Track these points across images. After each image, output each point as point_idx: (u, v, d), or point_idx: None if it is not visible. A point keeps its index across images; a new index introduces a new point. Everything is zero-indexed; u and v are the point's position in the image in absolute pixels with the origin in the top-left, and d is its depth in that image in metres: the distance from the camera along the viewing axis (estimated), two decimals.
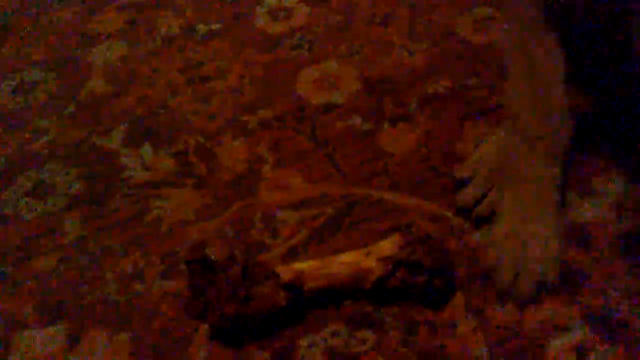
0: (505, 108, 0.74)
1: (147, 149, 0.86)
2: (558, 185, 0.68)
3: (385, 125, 0.85)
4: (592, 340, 0.60)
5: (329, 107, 0.88)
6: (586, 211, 0.71)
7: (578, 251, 0.68)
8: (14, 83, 0.99)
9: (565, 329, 0.62)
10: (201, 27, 1.05)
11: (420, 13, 1.01)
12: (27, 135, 0.90)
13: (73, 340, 0.67)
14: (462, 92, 0.87)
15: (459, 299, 0.64)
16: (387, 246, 0.62)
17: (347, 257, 0.63)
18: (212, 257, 0.61)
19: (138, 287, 0.70)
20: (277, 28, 1.02)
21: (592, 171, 0.75)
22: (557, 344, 0.60)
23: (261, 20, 1.04)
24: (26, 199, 0.82)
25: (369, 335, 0.63)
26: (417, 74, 0.91)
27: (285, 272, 0.62)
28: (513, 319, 0.63)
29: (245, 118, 0.88)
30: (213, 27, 1.04)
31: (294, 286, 0.61)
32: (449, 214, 0.72)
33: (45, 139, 0.90)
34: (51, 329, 0.68)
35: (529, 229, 0.65)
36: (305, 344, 0.63)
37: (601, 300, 0.63)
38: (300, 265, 0.63)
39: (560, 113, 0.68)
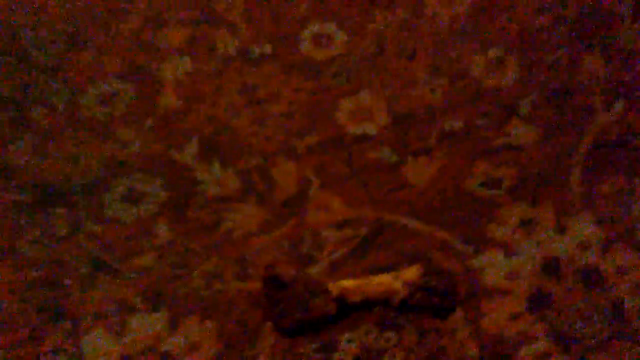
0: None
1: (216, 166, 1.06)
2: None
3: (409, 158, 1.05)
4: (552, 350, 0.84)
5: (363, 138, 1.08)
6: (558, 247, 0.94)
7: (550, 279, 0.91)
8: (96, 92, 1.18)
9: (533, 339, 0.86)
10: (255, 49, 1.22)
11: (441, 48, 1.19)
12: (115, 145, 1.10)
13: (172, 325, 0.90)
14: (472, 131, 1.07)
15: (459, 312, 0.88)
16: (411, 273, 0.85)
17: (381, 279, 0.86)
18: (283, 277, 0.83)
19: (219, 285, 0.93)
20: (320, 55, 1.20)
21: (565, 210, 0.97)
22: (526, 350, 0.85)
23: (306, 45, 1.22)
24: (123, 204, 1.03)
25: (392, 335, 0.87)
26: (436, 110, 1.10)
27: (334, 289, 0.85)
28: (497, 330, 0.87)
29: (294, 142, 1.09)
30: (264, 50, 1.22)
31: (340, 299, 0.84)
32: (456, 242, 0.95)
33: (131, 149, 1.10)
34: (155, 315, 0.91)
35: None
36: (345, 339, 0.87)
37: (562, 319, 0.87)
38: (345, 284, 0.86)
39: None
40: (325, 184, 1.03)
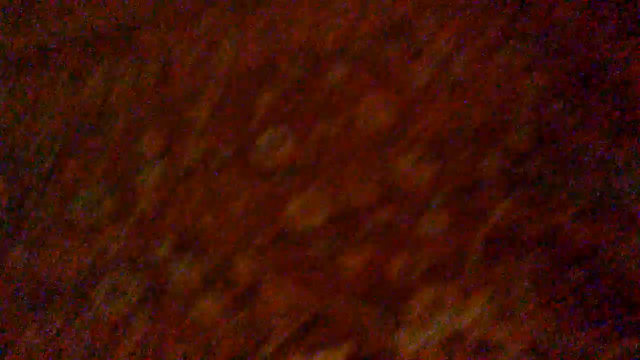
0: None
1: (185, 261, 1.29)
2: None
3: (345, 250, 1.29)
4: None
5: (307, 232, 1.32)
6: (461, 321, 1.18)
7: (454, 349, 1.15)
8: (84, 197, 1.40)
9: None
10: (217, 154, 1.46)
11: (370, 153, 1.44)
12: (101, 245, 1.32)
13: None
14: (393, 226, 1.32)
15: None
16: (343, 351, 1.08)
17: (320, 358, 1.09)
18: None
19: None
20: (272, 159, 1.45)
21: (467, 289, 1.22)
22: None
23: (261, 150, 1.46)
24: (108, 297, 1.24)
25: None
26: (365, 209, 1.35)
27: None
28: None
29: (252, 238, 1.32)
30: (226, 154, 1.46)
31: None
32: (380, 321, 1.19)
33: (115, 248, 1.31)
34: None
35: None
36: None
37: None
38: None
39: None
40: (277, 273, 1.27)
